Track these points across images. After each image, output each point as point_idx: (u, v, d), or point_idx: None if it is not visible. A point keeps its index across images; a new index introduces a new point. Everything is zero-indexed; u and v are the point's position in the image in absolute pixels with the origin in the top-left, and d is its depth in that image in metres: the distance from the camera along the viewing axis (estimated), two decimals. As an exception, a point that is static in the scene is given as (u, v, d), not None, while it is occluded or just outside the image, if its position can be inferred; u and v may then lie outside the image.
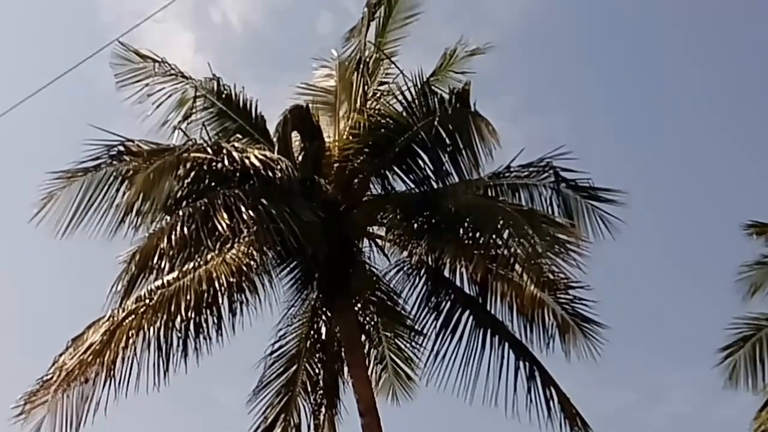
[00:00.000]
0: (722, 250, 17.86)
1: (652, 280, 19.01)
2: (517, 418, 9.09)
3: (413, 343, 9.94)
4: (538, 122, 19.54)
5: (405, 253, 9.70)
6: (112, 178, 8.74)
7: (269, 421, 9.85)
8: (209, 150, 8.78)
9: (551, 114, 20.08)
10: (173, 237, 8.11)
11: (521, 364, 9.23)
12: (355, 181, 9.66)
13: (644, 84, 20.84)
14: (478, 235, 8.96)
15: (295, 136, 9.64)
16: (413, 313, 9.66)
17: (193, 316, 8.52)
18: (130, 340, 8.46)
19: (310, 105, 10.07)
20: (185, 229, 8.15)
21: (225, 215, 8.15)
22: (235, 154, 8.67)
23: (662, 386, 18.90)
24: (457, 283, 9.53)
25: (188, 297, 8.35)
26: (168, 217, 8.49)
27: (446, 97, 9.39)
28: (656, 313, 18.24)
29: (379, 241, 9.82)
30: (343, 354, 9.77)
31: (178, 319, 8.48)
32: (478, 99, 9.22)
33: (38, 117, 15.19)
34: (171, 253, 8.12)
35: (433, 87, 9.68)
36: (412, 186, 9.55)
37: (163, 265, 8.24)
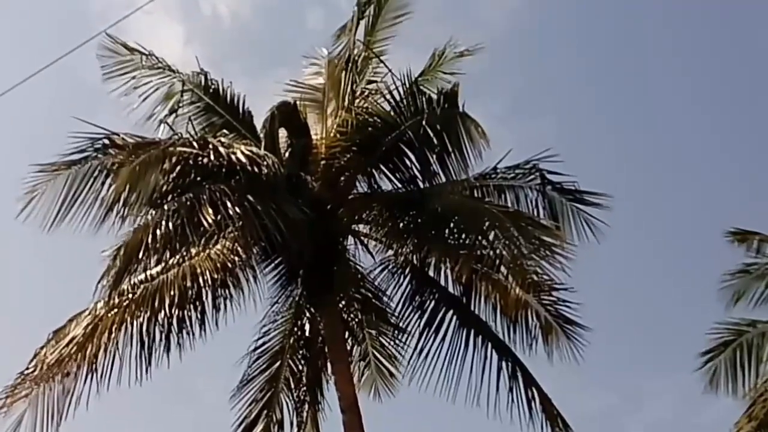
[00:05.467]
0: (706, 255, 17.99)
1: (635, 284, 19.14)
2: (498, 417, 9.14)
3: (397, 341, 9.96)
4: (527, 125, 19.61)
5: (390, 252, 9.72)
6: (97, 172, 8.68)
7: (252, 416, 9.85)
8: (195, 144, 8.75)
9: (541, 117, 20.15)
10: (158, 232, 8.07)
11: (504, 364, 9.27)
12: (342, 179, 9.66)
13: (634, 88, 20.94)
14: (463, 235, 9.00)
15: (283, 133, 9.62)
16: (397, 311, 9.69)
17: (176, 311, 8.50)
18: (113, 334, 8.44)
19: (298, 102, 10.04)
20: (170, 224, 8.12)
21: (210, 210, 8.13)
22: (221, 149, 8.64)
23: (643, 390, 19.04)
24: (442, 282, 9.55)
25: (172, 292, 8.33)
26: (153, 212, 8.45)
27: (434, 97, 9.40)
28: (639, 316, 18.37)
29: (364, 239, 9.84)
30: (326, 351, 9.78)
31: (162, 314, 8.46)
32: (467, 100, 9.26)
33: (23, 108, 15.10)
34: (156, 248, 8.09)
35: (421, 87, 9.68)
36: (399, 185, 9.57)
37: (148, 260, 8.21)
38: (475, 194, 9.36)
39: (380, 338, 10.17)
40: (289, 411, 9.96)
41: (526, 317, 9.17)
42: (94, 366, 8.42)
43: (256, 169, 8.63)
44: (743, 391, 11.40)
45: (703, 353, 11.63)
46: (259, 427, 9.83)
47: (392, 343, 10.07)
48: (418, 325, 9.52)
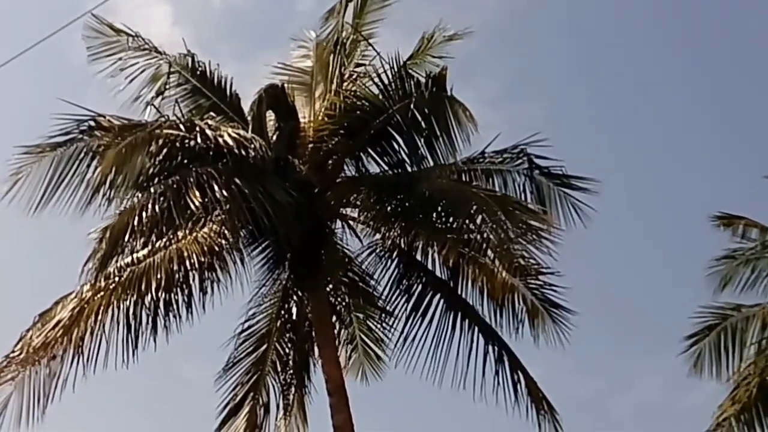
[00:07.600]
0: (694, 238, 18.09)
1: (622, 268, 19.22)
2: (484, 401, 9.19)
3: (384, 325, 9.99)
4: (518, 109, 19.62)
5: (378, 236, 9.72)
6: (83, 154, 8.63)
7: (238, 399, 9.87)
8: (182, 127, 8.70)
9: (531, 100, 20.16)
10: (144, 215, 8.04)
11: (490, 347, 9.31)
12: (330, 162, 9.64)
13: (626, 73, 20.97)
14: (451, 219, 9.01)
15: (270, 116, 9.58)
16: (384, 294, 9.71)
17: (163, 294, 8.49)
18: (99, 317, 8.42)
19: (286, 85, 10.00)
20: (157, 207, 8.09)
21: (197, 193, 8.10)
22: (208, 131, 8.60)
23: (630, 373, 19.17)
24: (429, 266, 9.57)
25: (159, 275, 8.31)
26: (140, 195, 8.41)
27: (423, 81, 9.38)
28: (625, 300, 18.47)
29: (352, 222, 9.83)
30: (313, 334, 9.79)
31: (148, 297, 8.46)
32: (458, 82, 9.25)
33: (8, 88, 14.96)
34: (143, 230, 8.06)
35: (410, 70, 9.65)
36: (387, 169, 9.56)
37: (135, 243, 8.19)
38: (463, 178, 9.36)
39: (367, 322, 10.18)
40: (276, 394, 10.00)
41: (512, 301, 9.19)
42: (80, 349, 8.41)
43: (243, 152, 8.60)
44: (727, 375, 11.50)
45: (687, 337, 11.71)
46: (245, 410, 9.85)
47: (379, 326, 10.10)
48: (405, 309, 9.55)
